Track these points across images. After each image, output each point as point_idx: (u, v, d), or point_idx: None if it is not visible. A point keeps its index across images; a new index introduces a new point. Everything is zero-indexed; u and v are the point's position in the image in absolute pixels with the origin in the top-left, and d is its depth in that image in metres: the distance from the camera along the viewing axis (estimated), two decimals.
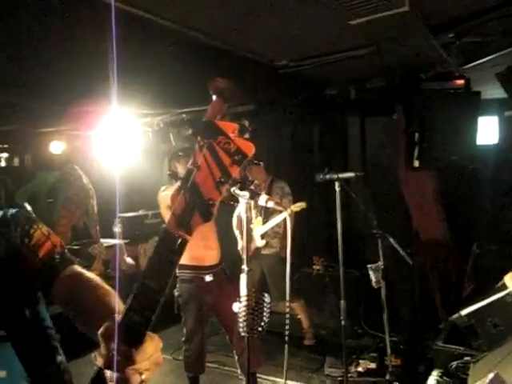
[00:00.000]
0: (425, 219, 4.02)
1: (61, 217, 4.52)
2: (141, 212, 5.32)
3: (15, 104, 4.01)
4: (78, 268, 1.11)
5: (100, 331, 0.77)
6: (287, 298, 2.25)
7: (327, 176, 2.95)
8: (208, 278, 3.12)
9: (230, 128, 0.74)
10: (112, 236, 4.82)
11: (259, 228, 4.10)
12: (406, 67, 3.50)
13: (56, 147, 5.38)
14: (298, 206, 3.81)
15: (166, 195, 3.10)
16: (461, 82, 3.45)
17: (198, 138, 0.74)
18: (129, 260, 4.69)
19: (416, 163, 3.69)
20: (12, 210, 1.12)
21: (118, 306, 0.92)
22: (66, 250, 1.14)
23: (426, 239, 4.13)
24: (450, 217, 4.05)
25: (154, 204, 5.44)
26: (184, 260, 3.24)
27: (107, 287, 1.04)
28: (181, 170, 3.23)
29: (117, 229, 4.60)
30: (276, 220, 3.99)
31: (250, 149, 0.74)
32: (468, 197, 4.15)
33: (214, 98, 3.02)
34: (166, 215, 3.22)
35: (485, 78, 3.60)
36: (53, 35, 2.43)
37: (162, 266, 0.73)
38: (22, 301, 1.05)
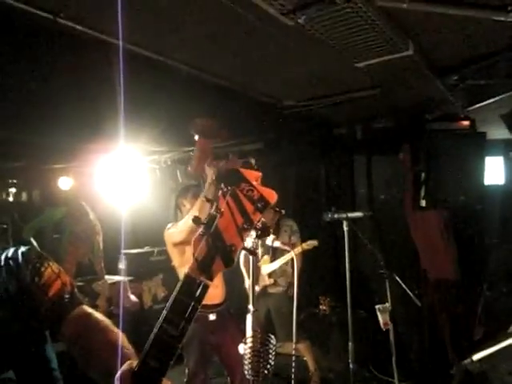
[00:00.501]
0: (433, 259, 3.97)
1: (66, 253, 4.50)
2: (146, 249, 5.28)
3: (25, 141, 4.09)
4: (87, 308, 1.09)
5: (117, 376, 0.75)
6: (294, 339, 2.20)
7: (335, 215, 2.94)
8: (212, 317, 3.05)
9: (253, 176, 0.75)
10: (116, 273, 4.77)
11: (267, 266, 4.06)
12: (411, 108, 3.55)
13: (64, 183, 5.43)
14: (310, 243, 3.79)
15: (172, 233, 3.09)
16: (466, 123, 3.49)
17: (222, 185, 0.75)
18: (132, 297, 4.62)
19: (423, 203, 3.69)
20: (23, 248, 1.12)
21: (129, 350, 0.91)
22: (76, 289, 1.13)
23: (434, 280, 4.06)
24: (459, 257, 3.99)
25: (159, 241, 5.41)
26: None
27: (116, 330, 1.02)
28: (188, 207, 3.22)
29: (121, 265, 4.56)
30: (284, 259, 3.96)
31: (272, 196, 0.75)
32: (477, 237, 4.11)
33: (197, 138, 3.08)
34: (172, 253, 3.20)
35: (490, 119, 3.65)
36: (63, 75, 2.51)
37: (182, 312, 0.72)
38: (30, 340, 1.03)
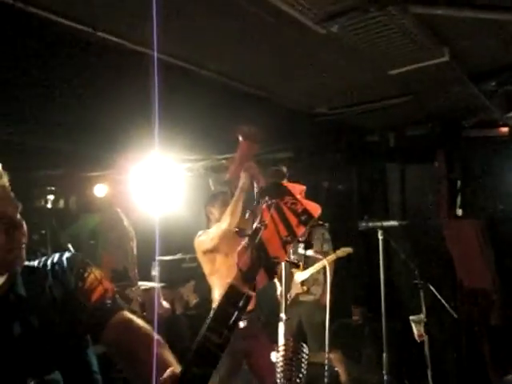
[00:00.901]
0: (470, 269, 3.85)
1: (101, 259, 4.62)
2: (178, 256, 5.35)
3: (63, 149, 4.25)
4: (128, 314, 1.12)
5: (160, 382, 0.78)
6: (326, 348, 2.17)
7: (370, 224, 2.91)
8: (242, 324, 3.03)
9: (297, 189, 0.77)
10: (148, 279, 4.85)
11: (299, 274, 4.04)
12: (447, 115, 3.48)
13: (100, 190, 5.58)
14: (344, 250, 3.75)
15: (202, 240, 3.12)
16: (504, 129, 3.39)
17: (266, 198, 0.77)
18: (165, 304, 4.68)
19: (459, 211, 3.59)
20: (67, 254, 1.16)
21: (169, 357, 0.93)
22: (117, 295, 1.16)
23: (471, 290, 3.93)
24: (497, 267, 3.85)
25: (191, 248, 5.47)
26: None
27: (157, 337, 1.04)
28: (216, 215, 3.24)
29: (155, 272, 4.63)
30: (316, 267, 3.93)
31: (316, 210, 0.76)
32: None
33: (241, 140, 3.11)
34: (203, 261, 3.22)
35: None
36: (100, 85, 2.59)
37: (225, 321, 0.74)
38: (74, 343, 1.07)
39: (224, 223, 2.92)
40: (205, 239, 3.10)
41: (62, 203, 6.42)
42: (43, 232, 5.21)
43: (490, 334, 3.72)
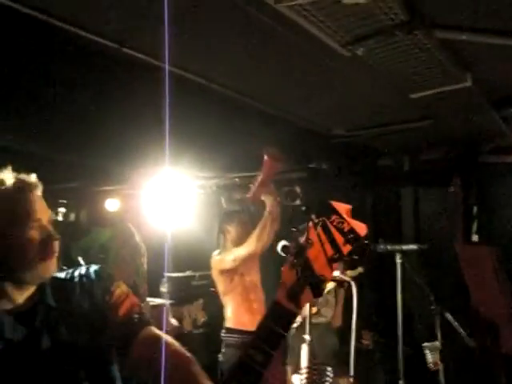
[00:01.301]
0: (485, 297, 3.78)
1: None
2: (188, 273, 5.32)
3: (75, 163, 4.28)
4: (156, 330, 1.11)
5: None
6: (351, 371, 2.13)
7: (388, 247, 2.88)
8: None
9: (344, 208, 0.77)
10: (157, 295, 4.82)
11: None
12: (463, 139, 3.48)
13: (111, 205, 5.60)
14: (356, 270, 3.71)
15: (222, 260, 3.10)
16: None
17: (313, 216, 0.77)
18: (173, 321, 4.64)
19: (475, 237, 3.55)
20: (95, 266, 1.16)
21: (202, 375, 0.91)
22: (144, 310, 1.15)
23: (487, 319, 3.86)
24: None
25: (201, 265, 5.46)
26: (230, 323, 3.16)
27: (187, 353, 1.03)
28: (233, 233, 3.23)
29: (164, 289, 4.60)
30: (327, 287, 3.88)
31: (362, 229, 0.77)
32: None
33: (266, 158, 3.13)
34: (218, 280, 3.20)
35: None
36: (114, 98, 2.62)
37: (269, 339, 0.73)
38: (100, 359, 1.05)
39: (250, 247, 2.92)
40: (226, 259, 3.09)
41: (72, 216, 6.46)
42: None
43: (507, 364, 3.64)
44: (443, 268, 4.10)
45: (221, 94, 2.66)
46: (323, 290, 0.75)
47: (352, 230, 0.76)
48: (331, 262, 0.75)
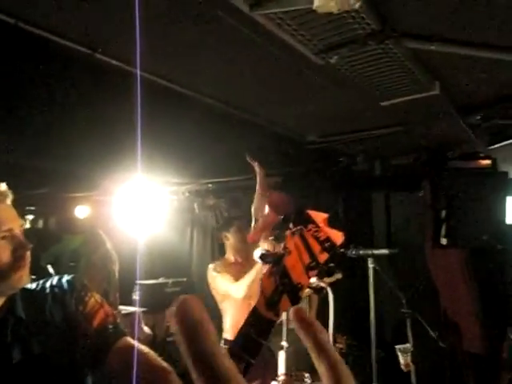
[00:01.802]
0: (454, 299, 3.89)
1: None
2: (161, 280, 5.26)
3: (44, 169, 4.17)
4: (131, 340, 1.09)
5: None
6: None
7: (360, 252, 2.93)
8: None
9: (321, 217, 0.78)
10: (129, 303, 4.74)
11: None
12: (433, 145, 3.58)
13: (81, 211, 5.48)
14: (334, 276, 3.73)
15: (217, 278, 3.06)
16: (487, 162, 3.50)
17: (290, 225, 0.78)
18: (146, 329, 4.56)
19: (443, 241, 3.65)
20: (67, 276, 1.13)
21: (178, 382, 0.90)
22: (119, 320, 1.13)
23: (454, 320, 3.97)
24: (481, 297, 3.90)
25: (174, 272, 5.42)
26: (229, 335, 3.14)
27: (163, 363, 1.01)
28: (232, 240, 3.22)
29: (136, 296, 4.53)
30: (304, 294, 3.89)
31: (338, 238, 0.77)
32: (499, 277, 4.03)
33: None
34: (215, 292, 3.15)
35: (511, 158, 3.65)
36: (84, 104, 2.58)
37: (248, 347, 0.73)
38: (74, 370, 1.02)
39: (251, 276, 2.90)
40: (218, 277, 3.04)
41: (41, 224, 6.28)
42: None
43: (475, 364, 3.74)
44: (414, 271, 4.19)
45: (195, 100, 2.64)
46: (301, 297, 0.76)
47: (328, 239, 0.77)
48: (308, 270, 0.76)
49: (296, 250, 0.76)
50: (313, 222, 0.78)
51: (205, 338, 0.30)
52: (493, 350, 3.75)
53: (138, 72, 2.01)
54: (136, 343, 1.08)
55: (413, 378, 3.16)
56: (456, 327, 3.94)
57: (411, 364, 3.18)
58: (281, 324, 2.86)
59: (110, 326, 1.07)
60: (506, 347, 3.66)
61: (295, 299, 0.75)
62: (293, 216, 0.79)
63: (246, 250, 3.09)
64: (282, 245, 0.77)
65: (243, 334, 0.74)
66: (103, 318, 1.08)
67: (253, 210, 3.31)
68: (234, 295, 2.95)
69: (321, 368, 0.35)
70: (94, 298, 1.11)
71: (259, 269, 2.92)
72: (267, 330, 0.74)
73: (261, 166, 3.12)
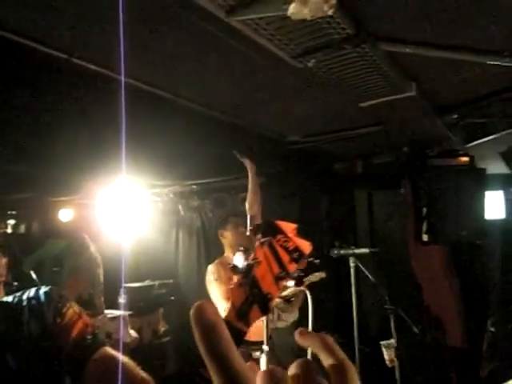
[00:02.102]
0: (436, 294, 3.97)
1: (66, 286, 4.45)
2: (147, 282, 5.24)
3: (26, 173, 4.12)
4: (110, 350, 1.08)
5: None
6: None
7: (342, 251, 2.97)
8: (256, 355, 2.89)
9: (289, 228, 0.79)
10: (116, 307, 4.72)
11: None
12: (412, 144, 3.64)
13: (65, 215, 5.43)
14: (317, 275, 3.75)
15: (212, 286, 3.00)
16: (465, 159, 3.56)
17: (259, 236, 0.79)
18: (132, 332, 4.55)
19: (425, 237, 3.71)
20: (44, 288, 1.12)
21: None
22: (97, 331, 1.13)
23: (437, 315, 4.04)
24: (462, 292, 3.99)
25: (161, 274, 5.41)
26: None
27: (142, 372, 1.02)
28: (230, 237, 3.19)
29: (121, 300, 4.51)
30: (286, 292, 3.92)
31: (307, 248, 0.79)
32: (479, 271, 4.12)
33: (248, 164, 3.19)
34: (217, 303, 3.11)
35: (488, 155, 3.73)
36: (66, 108, 2.56)
37: None
38: (53, 382, 1.02)
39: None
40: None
41: (23, 228, 6.20)
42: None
43: (456, 358, 3.82)
44: (397, 268, 4.25)
45: (176, 103, 2.65)
46: (270, 307, 0.78)
47: (297, 249, 0.78)
48: (278, 280, 0.77)
49: (265, 260, 0.77)
50: (282, 232, 0.79)
51: (219, 340, 0.33)
52: (473, 342, 3.83)
53: (123, 79, 2.02)
54: (115, 353, 1.08)
55: (397, 373, 3.22)
56: (439, 321, 4.01)
57: (395, 359, 3.24)
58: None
59: (89, 337, 1.07)
60: (485, 339, 3.74)
61: (265, 309, 0.76)
62: (262, 226, 0.80)
63: (245, 246, 3.05)
64: (252, 255, 0.78)
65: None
66: (82, 328, 1.07)
67: (246, 206, 3.31)
68: (219, 311, 2.91)
69: (329, 365, 0.39)
70: (73, 309, 1.10)
71: None
72: (238, 340, 0.75)
73: (251, 162, 3.12)
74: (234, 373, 0.33)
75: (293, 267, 0.78)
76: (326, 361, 0.39)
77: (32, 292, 1.11)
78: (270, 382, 0.34)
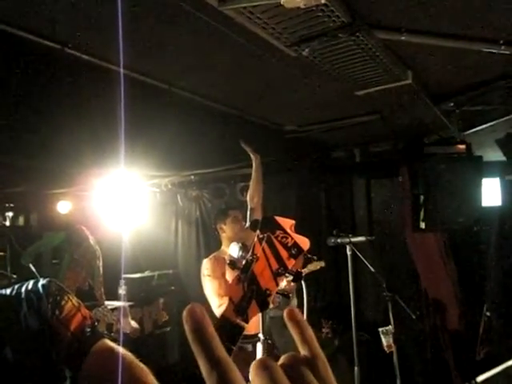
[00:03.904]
0: (433, 280, 4.00)
1: (66, 278, 4.47)
2: (147, 273, 5.26)
3: (24, 166, 4.12)
4: (109, 343, 1.08)
5: None
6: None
7: (339, 240, 2.98)
8: (250, 348, 2.85)
9: (288, 223, 0.79)
10: (116, 298, 4.74)
11: None
12: (409, 132, 3.64)
13: (63, 207, 5.43)
14: (317, 264, 3.77)
15: (206, 281, 2.98)
16: (462, 147, 3.57)
17: (258, 231, 0.79)
18: (133, 323, 4.58)
19: (422, 225, 3.73)
20: (43, 281, 1.12)
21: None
22: (96, 323, 1.12)
23: (435, 301, 4.08)
24: (459, 278, 4.02)
25: (160, 265, 5.43)
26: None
27: (141, 365, 1.02)
28: (228, 231, 3.15)
29: (121, 291, 4.53)
30: (284, 283, 3.94)
31: (305, 244, 0.79)
32: (475, 258, 4.15)
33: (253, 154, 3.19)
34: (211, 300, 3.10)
35: (485, 142, 3.74)
36: (63, 100, 2.56)
37: None
38: (51, 377, 1.03)
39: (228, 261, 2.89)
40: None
41: (21, 220, 6.20)
42: (1, 254, 5.01)
43: (453, 343, 3.87)
44: (394, 255, 4.28)
45: (173, 94, 2.65)
46: (269, 303, 0.78)
47: (295, 245, 0.79)
48: (276, 276, 0.78)
49: (264, 256, 0.77)
50: (280, 227, 0.79)
51: (204, 334, 0.38)
52: (470, 326, 3.87)
53: (122, 70, 2.02)
54: (114, 345, 1.08)
55: (395, 358, 3.26)
56: (436, 308, 4.05)
57: (393, 345, 3.27)
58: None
59: (88, 330, 1.07)
60: (482, 324, 3.78)
61: (264, 305, 0.77)
62: (260, 222, 0.80)
63: (244, 241, 3.04)
64: (250, 251, 0.78)
65: None
66: (80, 321, 1.07)
67: (248, 197, 3.29)
68: (212, 307, 2.89)
69: (303, 356, 0.43)
70: (71, 302, 1.09)
71: None
72: (237, 335, 0.76)
73: (256, 152, 3.10)
74: (217, 360, 0.37)
75: (291, 263, 0.78)
76: (302, 351, 0.43)
77: (30, 285, 1.11)
78: (263, 370, 0.38)
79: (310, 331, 0.44)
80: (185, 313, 0.38)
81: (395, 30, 1.97)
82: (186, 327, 0.38)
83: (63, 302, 1.08)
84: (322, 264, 3.76)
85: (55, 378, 1.04)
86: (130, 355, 1.05)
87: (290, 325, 0.44)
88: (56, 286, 1.12)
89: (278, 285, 0.77)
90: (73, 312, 1.07)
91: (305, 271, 3.81)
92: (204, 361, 0.37)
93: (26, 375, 0.99)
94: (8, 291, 1.09)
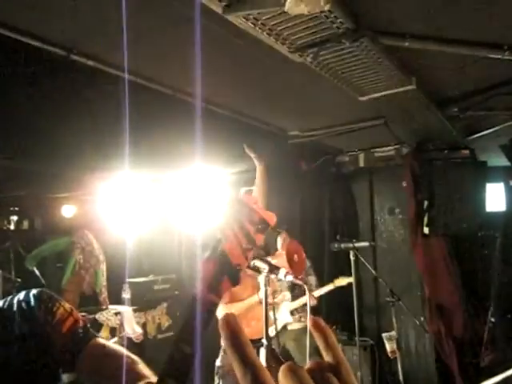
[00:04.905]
0: (437, 286, 3.98)
1: (70, 283, 4.48)
2: (150, 277, 5.26)
3: (28, 170, 4.14)
4: (101, 340, 1.12)
5: None
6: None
7: (342, 245, 2.98)
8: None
9: (252, 200, 0.83)
10: (120, 302, 4.74)
11: (287, 304, 3.94)
12: (413, 137, 3.64)
13: (67, 211, 5.45)
14: (344, 280, 3.76)
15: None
16: (466, 152, 3.57)
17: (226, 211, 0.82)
18: (136, 327, 4.58)
19: (426, 230, 3.72)
20: (34, 290, 1.15)
21: (147, 372, 0.94)
22: (89, 325, 1.15)
23: (439, 306, 4.06)
24: (463, 284, 4.00)
25: (163, 269, 5.43)
26: None
27: (133, 356, 1.05)
28: None
29: (125, 295, 4.54)
30: (304, 299, 3.85)
31: (271, 219, 0.82)
32: (480, 263, 4.13)
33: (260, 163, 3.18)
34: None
35: (489, 147, 3.73)
36: (67, 104, 2.58)
37: (194, 330, 0.77)
38: (45, 381, 1.05)
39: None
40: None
41: (26, 224, 6.22)
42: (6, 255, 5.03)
43: (457, 349, 3.84)
44: (398, 260, 4.27)
45: (178, 99, 2.66)
46: (240, 278, 0.81)
47: (262, 220, 0.82)
48: (245, 251, 0.80)
49: (232, 233, 0.80)
50: (246, 205, 0.82)
51: (242, 343, 0.42)
52: (474, 332, 3.85)
53: (126, 75, 2.03)
54: (106, 342, 1.11)
55: (399, 364, 3.25)
56: (440, 313, 4.03)
57: (397, 351, 3.27)
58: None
59: (80, 331, 1.10)
60: (486, 330, 3.76)
61: (235, 280, 0.80)
62: (227, 202, 0.83)
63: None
64: (220, 231, 0.81)
65: (187, 319, 0.77)
66: (72, 323, 1.10)
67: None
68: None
69: (327, 363, 0.44)
70: (63, 307, 1.13)
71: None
72: (210, 311, 0.78)
73: (260, 157, 3.12)
74: (250, 364, 0.40)
75: (259, 238, 0.81)
76: (326, 357, 0.44)
77: (22, 295, 1.14)
78: (292, 373, 0.40)
79: (333, 338, 0.46)
80: (220, 322, 0.43)
81: (399, 36, 1.98)
82: (222, 334, 0.42)
83: (55, 309, 1.11)
84: (351, 280, 3.68)
85: (51, 379, 1.06)
86: (121, 348, 1.08)
87: (314, 332, 0.46)
88: (47, 294, 1.15)
89: (247, 259, 0.80)
90: (65, 316, 1.10)
91: (332, 286, 3.81)
92: (239, 364, 0.41)
93: (22, 377, 1.01)
94: (1, 303, 1.12)
